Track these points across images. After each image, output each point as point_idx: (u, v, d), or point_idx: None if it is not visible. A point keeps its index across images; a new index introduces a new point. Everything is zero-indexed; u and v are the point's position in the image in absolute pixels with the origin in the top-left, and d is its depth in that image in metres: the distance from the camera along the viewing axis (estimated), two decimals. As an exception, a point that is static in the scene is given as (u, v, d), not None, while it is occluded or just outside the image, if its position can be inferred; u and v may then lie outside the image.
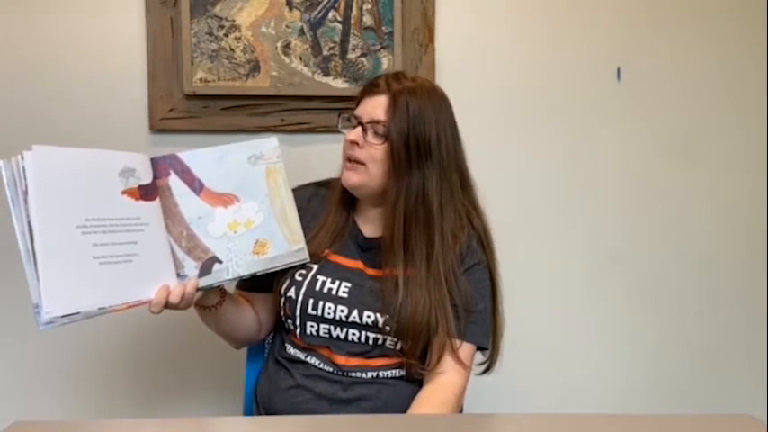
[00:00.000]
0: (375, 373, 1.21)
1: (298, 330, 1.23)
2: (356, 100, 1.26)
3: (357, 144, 1.20)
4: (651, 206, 1.76)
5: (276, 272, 1.20)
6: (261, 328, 1.32)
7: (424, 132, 1.18)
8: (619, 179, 1.75)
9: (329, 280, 1.22)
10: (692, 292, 1.79)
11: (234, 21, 1.57)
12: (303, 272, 1.23)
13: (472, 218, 1.24)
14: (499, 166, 1.69)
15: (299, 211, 1.21)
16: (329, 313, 1.20)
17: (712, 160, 1.77)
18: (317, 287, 1.21)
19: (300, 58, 1.60)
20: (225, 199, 1.16)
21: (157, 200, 1.12)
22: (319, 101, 1.61)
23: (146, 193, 1.10)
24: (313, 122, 1.62)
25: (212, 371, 1.67)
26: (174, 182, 1.14)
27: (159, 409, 1.66)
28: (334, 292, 1.21)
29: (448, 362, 1.18)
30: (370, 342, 1.20)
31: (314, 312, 1.20)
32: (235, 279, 1.18)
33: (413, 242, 1.18)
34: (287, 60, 1.59)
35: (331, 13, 1.60)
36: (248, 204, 1.17)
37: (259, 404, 1.29)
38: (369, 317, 1.19)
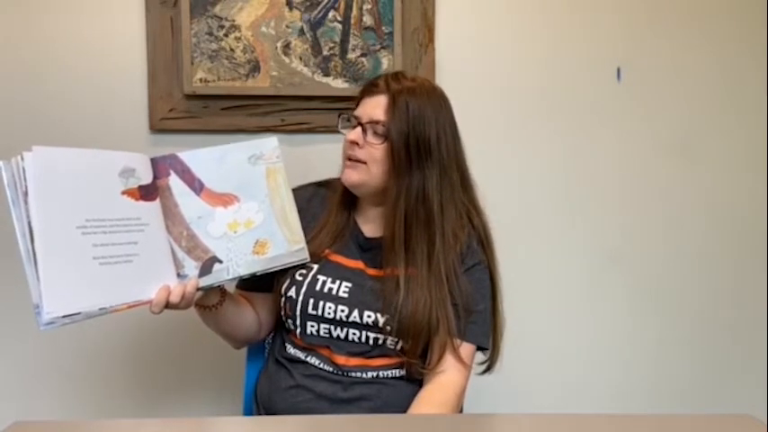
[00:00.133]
0: (375, 373, 1.21)
1: (298, 330, 1.23)
2: (356, 100, 1.26)
3: (357, 144, 1.20)
4: (651, 206, 1.76)
5: (276, 272, 1.20)
6: (261, 327, 1.32)
7: (424, 132, 1.18)
8: (619, 179, 1.75)
9: (329, 280, 1.22)
10: (691, 292, 1.79)
11: (234, 21, 1.57)
12: (303, 272, 1.23)
13: (472, 217, 1.24)
14: (499, 166, 1.69)
15: (300, 211, 1.21)
16: (329, 313, 1.20)
17: (712, 160, 1.78)
18: (318, 287, 1.21)
19: (300, 58, 1.60)
20: (225, 199, 1.16)
21: (157, 200, 1.12)
22: (319, 101, 1.62)
23: (146, 193, 1.10)
24: (313, 122, 1.62)
25: (212, 371, 1.67)
26: (175, 182, 1.14)
27: (159, 409, 1.66)
28: (334, 291, 1.21)
29: (448, 361, 1.18)
30: (371, 342, 1.20)
31: (314, 312, 1.20)
32: (235, 279, 1.18)
33: (414, 241, 1.19)
34: (287, 60, 1.59)
35: (331, 13, 1.60)
36: (248, 204, 1.17)
37: (259, 404, 1.29)
38: (369, 317, 1.19)
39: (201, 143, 1.22)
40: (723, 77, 1.76)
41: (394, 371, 1.22)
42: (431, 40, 1.64)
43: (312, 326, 1.22)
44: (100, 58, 1.58)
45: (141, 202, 1.09)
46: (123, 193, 1.08)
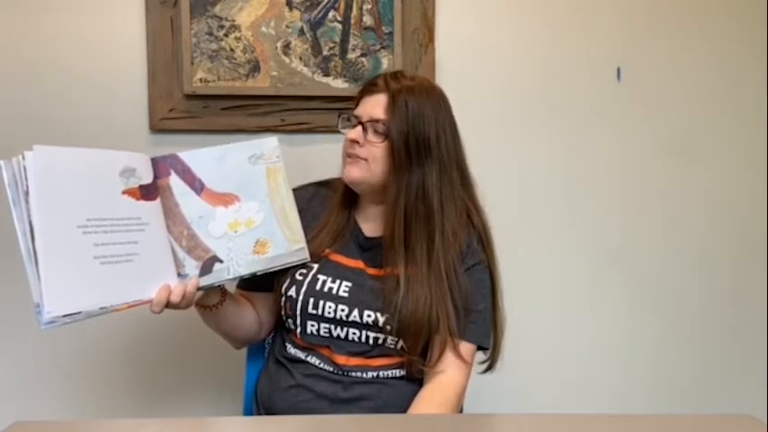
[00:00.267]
0: (375, 373, 1.21)
1: (298, 330, 1.23)
2: (355, 100, 1.26)
3: (358, 143, 1.20)
4: (651, 206, 1.77)
5: (276, 271, 1.20)
6: (261, 327, 1.32)
7: (424, 130, 1.18)
8: (619, 179, 1.75)
9: (330, 279, 1.22)
10: (691, 292, 1.79)
11: (234, 21, 1.57)
12: (304, 271, 1.23)
13: (472, 215, 1.25)
14: (499, 166, 1.69)
15: (300, 211, 1.22)
16: (330, 312, 1.20)
17: (712, 160, 1.78)
18: (318, 286, 1.21)
19: (300, 58, 1.60)
20: (225, 198, 1.16)
21: (158, 200, 1.12)
22: (319, 101, 1.62)
23: (146, 192, 1.10)
24: (313, 122, 1.62)
25: (212, 371, 1.67)
26: (175, 182, 1.14)
27: (159, 409, 1.66)
28: (334, 291, 1.21)
29: (449, 358, 1.18)
30: (371, 342, 1.20)
31: (314, 312, 1.20)
32: (235, 278, 1.18)
33: (413, 239, 1.19)
34: (287, 60, 1.59)
35: (331, 13, 1.60)
36: (249, 204, 1.17)
37: (259, 404, 1.29)
38: (369, 316, 1.19)
39: (201, 143, 1.22)
40: (723, 77, 1.76)
41: (394, 371, 1.22)
42: (431, 40, 1.64)
43: (312, 325, 1.22)
44: (100, 58, 1.58)
45: (142, 202, 1.09)
46: (124, 192, 1.08)
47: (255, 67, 1.59)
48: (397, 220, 1.18)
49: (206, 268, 1.13)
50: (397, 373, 1.22)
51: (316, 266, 1.23)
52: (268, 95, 1.60)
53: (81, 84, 1.58)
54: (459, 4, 1.66)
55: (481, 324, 1.22)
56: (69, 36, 1.57)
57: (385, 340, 1.20)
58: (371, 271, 1.23)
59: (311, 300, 1.21)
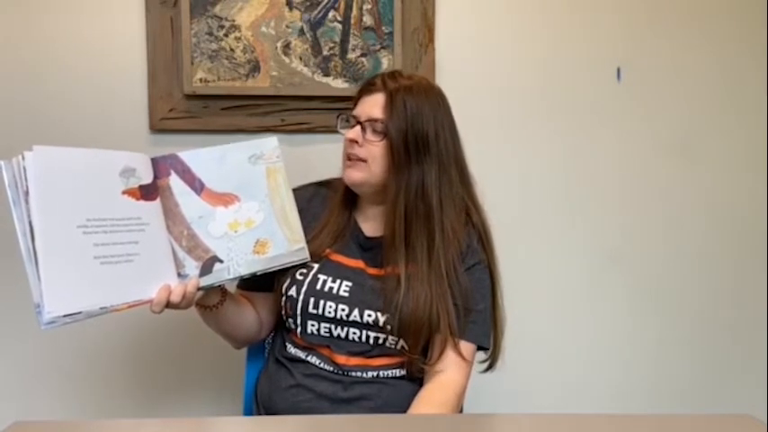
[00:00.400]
0: (376, 373, 1.21)
1: (298, 329, 1.23)
2: (353, 100, 1.26)
3: (356, 142, 1.20)
4: (651, 206, 1.77)
5: (277, 271, 1.20)
6: (262, 327, 1.32)
7: (423, 129, 1.18)
8: (619, 179, 1.75)
9: (330, 279, 1.22)
10: (691, 292, 1.79)
11: (234, 21, 1.57)
12: (304, 271, 1.23)
13: (471, 214, 1.25)
14: (499, 166, 1.70)
15: (301, 211, 1.22)
16: (330, 312, 1.20)
17: (712, 160, 1.78)
18: (318, 286, 1.21)
19: (300, 58, 1.60)
20: (225, 198, 1.16)
21: (158, 200, 1.12)
22: (319, 101, 1.62)
23: (146, 192, 1.10)
24: (313, 122, 1.62)
25: (212, 371, 1.67)
26: (175, 182, 1.14)
27: (159, 409, 1.66)
28: (334, 291, 1.21)
29: (449, 357, 1.18)
30: (371, 341, 1.20)
31: (315, 311, 1.20)
32: (235, 278, 1.18)
33: (413, 237, 1.19)
34: (287, 60, 1.60)
35: (331, 13, 1.60)
36: (249, 204, 1.17)
37: (259, 404, 1.29)
38: (369, 316, 1.19)
39: (201, 143, 1.22)
40: (723, 77, 1.76)
41: (394, 370, 1.22)
42: (431, 40, 1.64)
43: (313, 325, 1.22)
44: (100, 58, 1.58)
45: (142, 202, 1.10)
46: (124, 192, 1.08)
47: (255, 67, 1.59)
48: (398, 218, 1.19)
49: (206, 268, 1.13)
50: (398, 372, 1.22)
51: (316, 266, 1.23)
52: (268, 95, 1.60)
53: (81, 84, 1.58)
54: (459, 4, 1.66)
55: (481, 324, 1.22)
56: (69, 36, 1.57)
57: (385, 340, 1.20)
58: (372, 271, 1.23)
59: (312, 299, 1.21)
